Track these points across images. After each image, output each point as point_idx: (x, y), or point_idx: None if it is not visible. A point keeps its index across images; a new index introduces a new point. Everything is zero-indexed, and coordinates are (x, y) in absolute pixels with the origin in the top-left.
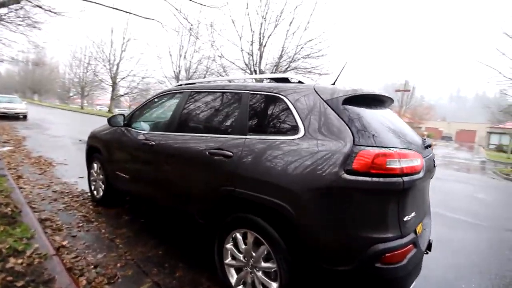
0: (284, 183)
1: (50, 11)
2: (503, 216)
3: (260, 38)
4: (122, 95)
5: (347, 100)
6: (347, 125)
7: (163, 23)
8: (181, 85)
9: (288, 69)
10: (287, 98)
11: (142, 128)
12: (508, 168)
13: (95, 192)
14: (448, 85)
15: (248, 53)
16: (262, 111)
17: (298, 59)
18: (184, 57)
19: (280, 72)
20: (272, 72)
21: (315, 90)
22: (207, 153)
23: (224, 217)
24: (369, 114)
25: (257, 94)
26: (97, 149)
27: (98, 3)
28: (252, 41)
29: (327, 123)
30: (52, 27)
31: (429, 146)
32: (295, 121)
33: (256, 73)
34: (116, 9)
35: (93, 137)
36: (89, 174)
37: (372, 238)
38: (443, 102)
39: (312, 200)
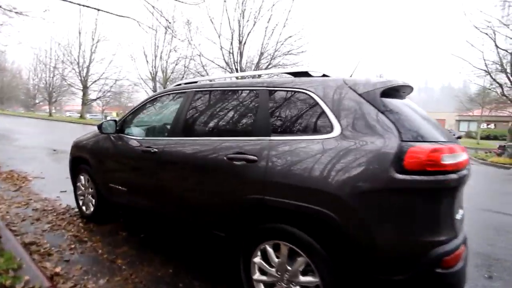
0: (326, 187)
1: (10, 11)
2: (497, 200)
3: (239, 35)
4: (94, 100)
5: (383, 93)
6: (389, 119)
7: (138, 21)
8: (180, 84)
9: (269, 66)
10: (315, 93)
11: (139, 134)
12: (479, 153)
13: (84, 208)
14: (416, 78)
15: (229, 51)
16: (286, 109)
17: (279, 56)
18: (160, 58)
19: (261, 69)
20: (254, 70)
21: (346, 84)
22: (224, 158)
23: (250, 228)
24: (401, 106)
25: (278, 90)
26: (84, 160)
27: (65, 0)
28: (231, 39)
29: (366, 119)
30: (13, 29)
31: (459, 137)
32: (328, 118)
33: (238, 71)
34: (85, 6)
35: (79, 146)
36: (76, 188)
37: (430, 241)
38: (413, 94)
39: (361, 205)
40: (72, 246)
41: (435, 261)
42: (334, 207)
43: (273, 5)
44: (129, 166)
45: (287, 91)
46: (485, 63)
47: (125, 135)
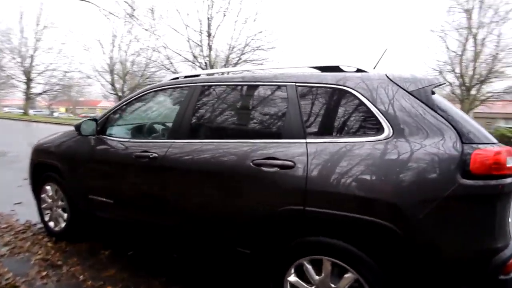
0: (381, 196)
1: None
2: None
3: (208, 28)
4: (40, 94)
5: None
6: (446, 120)
7: (99, 6)
8: (177, 78)
9: (239, 61)
10: (356, 90)
11: (126, 136)
12: None
13: (51, 224)
14: None
15: (197, 44)
16: (322, 108)
17: (249, 51)
18: (119, 48)
19: (231, 65)
20: (225, 65)
21: (391, 80)
22: (250, 164)
23: (284, 243)
24: (449, 104)
25: (310, 87)
26: (51, 167)
27: None
28: (200, 31)
29: (421, 119)
30: None
31: None
32: (376, 118)
33: (207, 66)
34: None
35: (43, 150)
36: (39, 200)
37: (494, 248)
38: None
39: (423, 214)
40: (44, 273)
41: (499, 267)
42: (391, 217)
43: (241, 2)
44: (117, 174)
45: (322, 87)
46: (438, 64)
47: (109, 137)
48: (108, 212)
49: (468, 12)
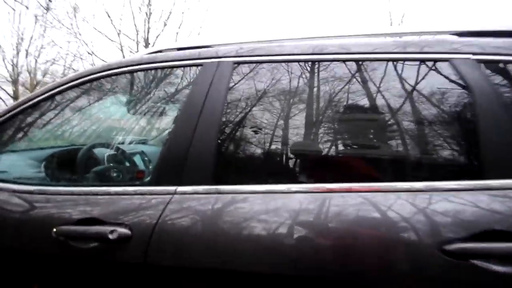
0: None
1: None
2: None
3: (146, 36)
4: None
5: None
6: None
7: None
8: (160, 51)
9: None
10: None
11: (35, 179)
12: None
13: None
14: None
15: (131, 52)
16: None
17: None
18: (27, 53)
19: None
20: None
21: None
22: (437, 251)
23: None
24: None
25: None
26: None
27: None
28: (137, 40)
29: None
30: None
31: None
32: None
33: None
34: None
35: None
36: None
37: None
38: None
39: None
40: None
41: None
42: None
43: (183, 12)
44: (5, 276)
45: None
46: None
47: None
48: None
49: None
